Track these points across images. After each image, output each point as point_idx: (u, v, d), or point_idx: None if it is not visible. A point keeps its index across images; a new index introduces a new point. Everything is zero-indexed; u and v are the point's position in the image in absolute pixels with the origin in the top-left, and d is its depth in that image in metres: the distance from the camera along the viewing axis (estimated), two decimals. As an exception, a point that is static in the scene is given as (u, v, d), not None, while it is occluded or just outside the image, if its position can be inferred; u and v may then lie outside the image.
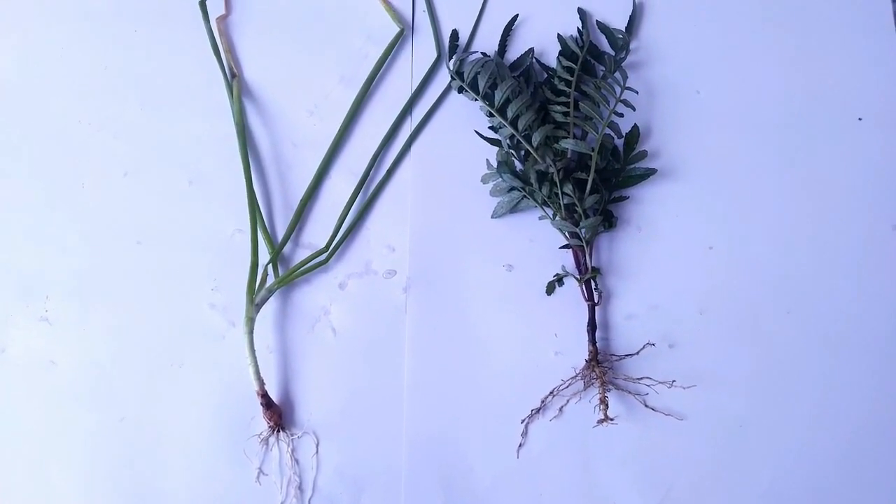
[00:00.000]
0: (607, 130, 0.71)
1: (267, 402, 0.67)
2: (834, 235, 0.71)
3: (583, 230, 0.69)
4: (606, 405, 0.66)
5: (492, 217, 0.73)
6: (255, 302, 0.68)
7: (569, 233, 0.70)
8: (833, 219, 0.71)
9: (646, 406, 0.68)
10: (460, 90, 0.73)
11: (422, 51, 0.77)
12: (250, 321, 0.68)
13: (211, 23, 0.77)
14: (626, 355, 0.69)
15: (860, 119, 0.73)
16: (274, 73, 0.77)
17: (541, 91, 0.73)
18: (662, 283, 0.71)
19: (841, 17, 0.76)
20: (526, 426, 0.68)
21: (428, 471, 0.68)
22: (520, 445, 0.68)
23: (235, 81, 0.77)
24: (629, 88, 0.72)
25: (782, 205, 0.72)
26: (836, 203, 0.72)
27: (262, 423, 0.68)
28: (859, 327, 0.69)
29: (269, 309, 0.71)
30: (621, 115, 0.71)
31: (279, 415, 0.68)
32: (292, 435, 0.68)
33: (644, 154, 0.72)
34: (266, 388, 0.67)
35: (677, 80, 0.75)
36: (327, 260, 0.72)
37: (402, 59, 0.77)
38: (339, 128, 0.75)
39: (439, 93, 0.75)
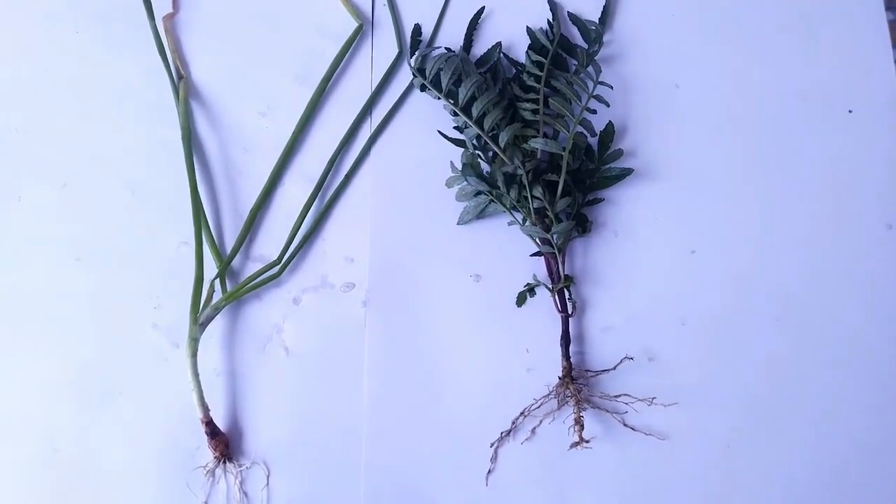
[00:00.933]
0: (579, 128, 0.66)
1: (212, 431, 0.62)
2: (825, 236, 0.66)
3: (554, 236, 0.64)
4: (581, 426, 0.60)
5: (458, 224, 0.67)
6: (199, 321, 0.63)
7: (540, 239, 0.65)
8: (823, 218, 0.67)
9: (624, 425, 0.63)
10: (423, 88, 0.68)
11: (382, 47, 0.72)
12: (194, 342, 0.62)
13: (156, 21, 0.72)
14: (603, 371, 0.64)
15: (850, 111, 0.69)
16: (224, 74, 0.72)
17: (509, 88, 0.69)
18: (641, 291, 0.66)
19: (828, 3, 0.71)
20: (495, 450, 0.63)
21: (389, 502, 0.63)
22: (489, 471, 0.63)
23: (182, 83, 0.72)
24: (603, 83, 0.67)
25: (769, 205, 0.67)
26: (826, 201, 0.67)
27: (207, 454, 0.62)
28: (855, 335, 0.64)
29: (217, 328, 0.66)
30: (594, 111, 0.66)
31: (226, 444, 0.62)
32: (240, 466, 0.63)
33: (620, 153, 0.67)
34: (212, 414, 0.62)
35: (654, 73, 0.70)
36: (280, 273, 0.66)
37: (362, 56, 0.72)
38: (293, 130, 0.69)
39: (401, 92, 0.70)
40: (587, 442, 0.60)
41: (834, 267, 0.66)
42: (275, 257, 0.66)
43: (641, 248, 0.67)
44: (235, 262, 0.67)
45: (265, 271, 0.66)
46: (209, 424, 0.62)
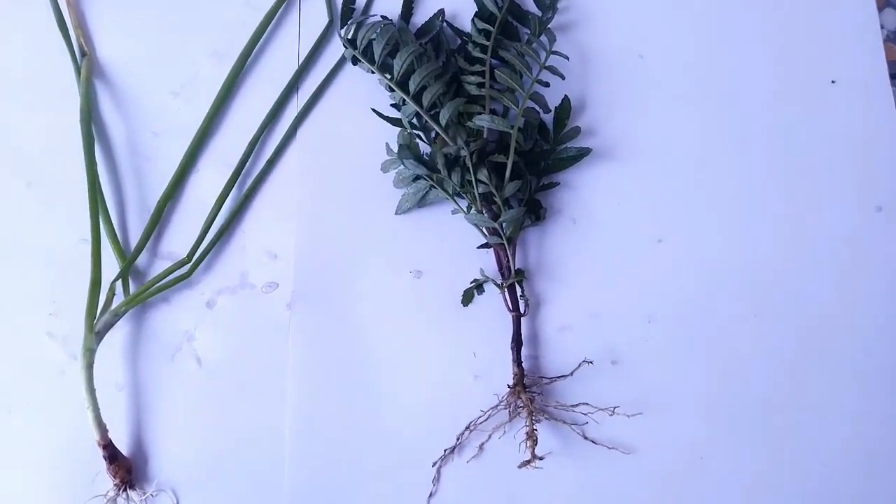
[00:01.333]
0: (531, 104, 0.59)
1: (111, 454, 0.53)
2: (807, 222, 0.59)
3: (503, 224, 0.57)
4: (535, 441, 0.53)
5: (396, 213, 0.60)
6: (95, 329, 0.54)
7: (487, 229, 0.57)
8: (806, 202, 0.59)
9: (584, 438, 0.55)
10: (355, 61, 0.60)
11: (310, 17, 0.64)
12: (89, 353, 0.54)
13: (57, -9, 0.64)
14: (560, 377, 0.56)
15: (833, 82, 0.62)
16: (133, 50, 0.64)
17: (453, 61, 0.61)
18: (603, 286, 0.58)
19: (804, -36, 0.64)
20: (438, 470, 0.55)
21: None
22: (430, 494, 0.55)
23: (85, 61, 0.63)
24: (557, 53, 0.59)
25: (745, 188, 0.60)
26: (808, 183, 0.60)
27: (107, 480, 0.54)
28: (842, 334, 0.57)
29: (118, 336, 0.57)
30: (547, 84, 0.59)
31: (127, 469, 0.54)
32: (145, 494, 0.54)
33: (577, 131, 0.60)
34: (112, 435, 0.54)
35: (616, 42, 0.63)
36: (191, 272, 0.58)
37: (288, 26, 0.64)
38: (209, 110, 0.62)
39: (332, 66, 0.62)
40: (541, 459, 0.52)
41: (818, 256, 0.59)
42: (185, 254, 0.58)
43: (602, 238, 0.59)
44: (141, 261, 0.59)
45: (174, 270, 0.57)
46: (108, 447, 0.53)
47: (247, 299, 0.59)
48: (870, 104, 0.61)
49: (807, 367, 0.57)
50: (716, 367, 0.57)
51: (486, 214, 0.57)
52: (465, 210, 0.58)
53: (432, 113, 0.58)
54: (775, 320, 0.58)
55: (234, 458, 0.56)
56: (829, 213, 0.59)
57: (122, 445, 0.55)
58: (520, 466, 0.52)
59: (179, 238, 0.60)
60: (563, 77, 0.60)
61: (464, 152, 0.57)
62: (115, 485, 0.53)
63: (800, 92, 0.62)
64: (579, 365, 0.56)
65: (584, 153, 0.60)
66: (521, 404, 0.55)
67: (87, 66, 0.64)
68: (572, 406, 0.55)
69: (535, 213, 0.59)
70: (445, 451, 0.55)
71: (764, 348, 0.57)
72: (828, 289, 0.58)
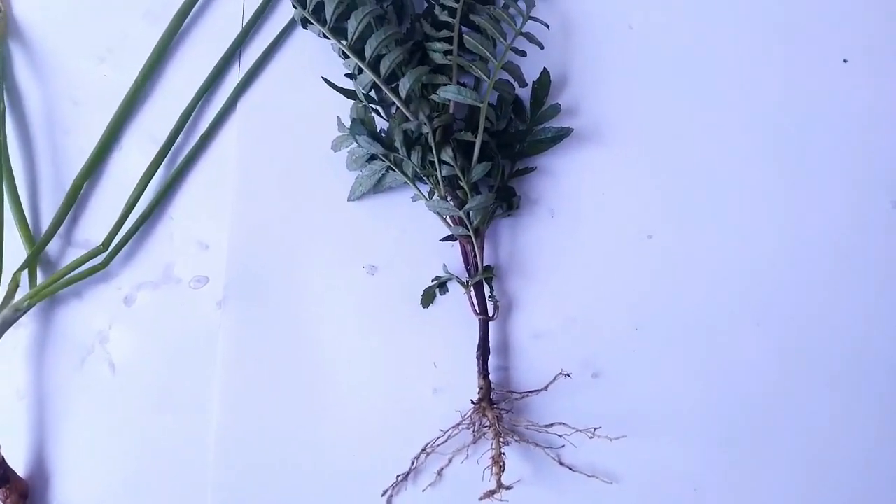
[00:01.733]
0: (504, 75, 0.51)
1: (2, 475, 0.46)
2: (817, 217, 0.52)
3: (470, 213, 0.49)
4: (502, 466, 0.45)
5: (348, 200, 0.52)
6: (-11, 326, 0.47)
7: (451, 218, 0.50)
8: (814, 194, 0.52)
9: (560, 464, 0.48)
10: (304, 23, 0.52)
11: (259, -25, 0.57)
12: (-20, 355, 0.47)
13: (-31, -60, 0.56)
14: (532, 391, 0.49)
15: (845, 61, 0.55)
16: (54, 7, 0.56)
17: (418, 27, 0.53)
18: (584, 287, 0.51)
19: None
20: (389, 500, 0.48)
21: None
22: (379, 528, 0.48)
23: (0, 19, 0.56)
24: (536, 20, 0.52)
25: (746, 177, 0.52)
26: (816, 172, 0.52)
27: (-2, 506, 0.46)
28: (855, 345, 0.50)
29: (21, 336, 0.50)
30: (524, 53, 0.51)
31: (22, 493, 0.46)
32: (41, 522, 0.47)
33: (557, 109, 0.53)
34: (6, 452, 0.46)
35: (604, 10, 0.55)
36: (107, 263, 0.50)
37: (232, -14, 0.57)
38: (137, 78, 0.54)
39: (279, 29, 0.54)
40: (508, 488, 0.45)
41: (829, 256, 0.51)
42: (101, 242, 0.50)
43: (584, 232, 0.52)
44: (51, 248, 0.51)
45: (87, 260, 0.50)
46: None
47: (171, 295, 0.51)
48: (883, 85, 0.54)
49: (815, 384, 0.50)
50: (713, 382, 0.50)
51: (450, 201, 0.49)
52: (427, 196, 0.50)
53: (391, 84, 0.50)
54: (781, 331, 0.50)
55: (149, 480, 0.48)
56: (841, 207, 0.52)
57: (19, 464, 0.48)
58: (482, 498, 0.44)
59: (97, 223, 0.52)
60: (541, 46, 0.52)
61: (426, 129, 0.49)
62: (6, 511, 0.46)
63: (808, 71, 0.54)
64: (555, 378, 0.49)
65: (564, 134, 0.52)
66: (487, 423, 0.47)
67: (2, 25, 0.56)
68: (546, 426, 0.47)
69: (508, 201, 0.51)
70: (398, 477, 0.48)
71: (767, 361, 0.50)
72: (839, 294, 0.51)
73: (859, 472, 0.49)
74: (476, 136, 0.49)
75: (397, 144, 0.50)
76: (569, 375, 0.49)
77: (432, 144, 0.49)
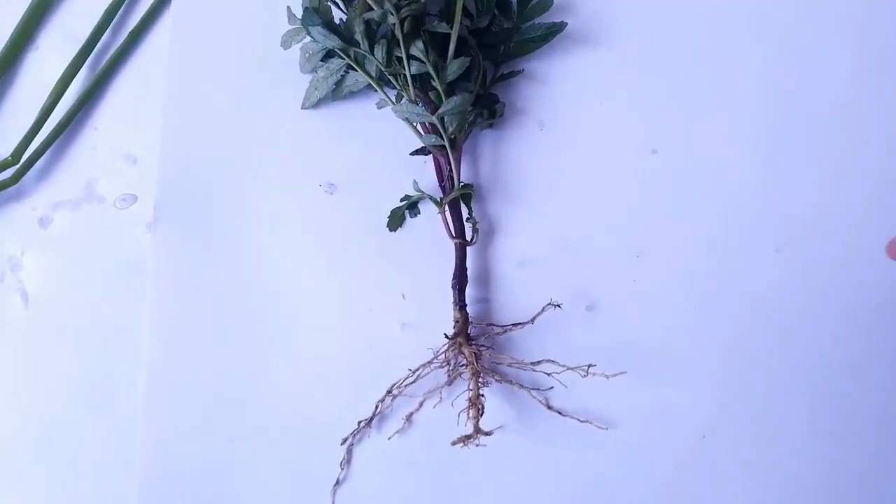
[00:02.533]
0: (486, -40, 0.44)
1: None
2: (847, 129, 0.44)
3: (445, 119, 0.42)
4: (480, 410, 0.39)
5: (302, 107, 0.45)
6: None
7: (423, 125, 0.43)
8: (844, 102, 0.45)
9: (548, 408, 0.41)
10: None
11: None
12: None
13: None
14: (516, 325, 0.42)
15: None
16: None
17: None
18: (578, 208, 0.44)
19: None
20: (349, 449, 0.41)
21: None
22: (337, 482, 0.41)
23: None
24: None
25: (766, 81, 0.45)
26: (848, 74, 0.45)
27: None
28: (886, 279, 0.44)
29: (-87, 263, 0.43)
30: (509, -65, 0.44)
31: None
32: (-64, 479, 0.40)
33: (548, 3, 0.45)
34: None
35: None
36: (18, 178, 0.43)
37: None
38: (54, -34, 0.46)
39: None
40: (488, 434, 0.38)
41: (859, 173, 0.44)
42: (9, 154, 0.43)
43: (578, 146, 0.45)
44: (-49, 163, 0.44)
45: (-7, 175, 0.43)
46: None
47: (94, 217, 0.43)
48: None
49: (841, 318, 0.43)
50: (724, 316, 0.43)
51: (421, 106, 0.42)
52: (394, 101, 0.43)
53: (352, -31, 0.43)
54: (803, 256, 0.44)
55: (68, 428, 0.41)
56: (872, 116, 0.45)
57: (-87, 413, 0.41)
58: (455, 443, 0.38)
59: (6, 133, 0.44)
60: (530, -72, 0.45)
61: (392, 18, 0.42)
62: None
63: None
64: (543, 309, 0.42)
65: (556, 31, 0.45)
66: (464, 361, 0.40)
67: None
68: (532, 364, 0.41)
69: (490, 109, 0.44)
70: (360, 423, 0.41)
71: (787, 293, 0.43)
72: (871, 215, 0.44)
73: (887, 413, 0.43)
74: (452, 28, 0.42)
75: (358, 37, 0.42)
76: (559, 306, 0.42)
77: (399, 37, 0.41)
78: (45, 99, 0.44)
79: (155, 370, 0.41)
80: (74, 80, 0.44)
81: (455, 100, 0.41)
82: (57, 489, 0.40)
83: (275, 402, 0.41)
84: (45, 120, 0.43)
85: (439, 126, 0.42)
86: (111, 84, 0.45)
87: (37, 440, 0.41)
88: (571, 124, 0.45)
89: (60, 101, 0.43)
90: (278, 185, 0.44)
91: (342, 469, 0.41)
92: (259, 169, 0.44)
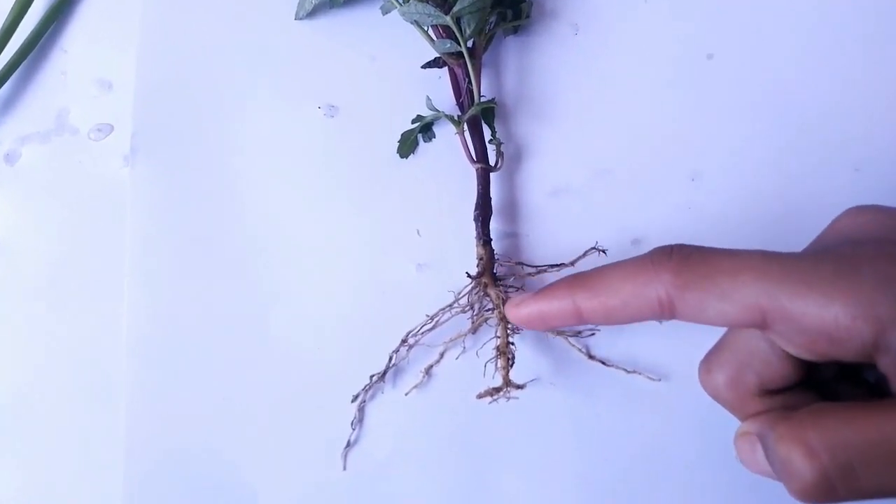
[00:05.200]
0: None
1: None
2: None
3: (462, 21, 0.36)
4: (510, 359, 0.33)
5: (296, 18, 0.39)
6: None
7: (435, 29, 0.37)
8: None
9: (590, 357, 0.35)
10: None
11: None
12: None
13: None
14: (552, 266, 0.36)
15: None
16: None
17: None
18: (620, 127, 0.37)
19: None
20: (361, 408, 0.37)
21: (171, 499, 0.36)
22: (348, 444, 0.36)
23: None
24: None
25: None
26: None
27: None
28: None
29: None
30: None
31: None
32: None
33: None
34: None
35: None
36: (-22, 109, 0.38)
37: None
38: None
39: None
40: (520, 387, 0.33)
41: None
42: (-28, 82, 0.38)
43: (620, 53, 0.38)
44: None
45: (-49, 106, 0.38)
46: None
47: (66, 150, 0.38)
48: None
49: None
50: (798, 245, 0.37)
51: (432, 5, 0.36)
52: (402, 1, 0.37)
53: None
54: (887, 176, 0.37)
55: (42, 391, 0.37)
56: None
57: None
58: (482, 396, 0.32)
59: (-33, 61, 0.40)
60: None
61: None
62: None
63: None
64: (585, 254, 0.36)
65: (592, -86, 0.38)
66: (490, 305, 0.35)
67: None
68: (570, 307, 0.36)
69: (514, 8, 0.38)
70: (372, 377, 0.36)
71: (871, 219, 0.37)
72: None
73: None
74: None
75: (357, -73, 0.36)
76: (604, 251, 0.36)
77: (405, -77, 0.35)
78: (3, 18, 0.39)
79: (137, 319, 0.36)
80: (38, -4, 0.39)
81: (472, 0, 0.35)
82: (38, 454, 0.37)
83: (274, 356, 0.36)
84: (7, 42, 0.38)
85: (455, 29, 0.35)
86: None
87: (13, 404, 0.37)
88: (611, 27, 0.38)
89: (23, 20, 0.38)
90: (271, 109, 0.38)
91: (353, 429, 0.35)
92: (248, 91, 0.38)
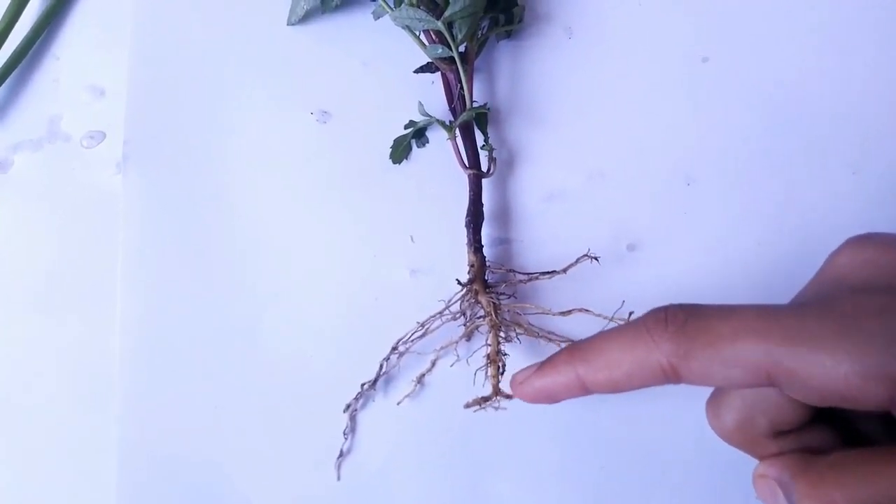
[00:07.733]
0: None
1: None
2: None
3: (454, 26, 0.36)
4: (500, 368, 0.33)
5: (288, 23, 0.39)
6: None
7: (427, 34, 0.37)
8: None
9: (584, 366, 0.36)
10: None
11: None
12: None
13: None
14: (543, 273, 0.36)
15: None
16: None
17: None
18: (615, 131, 0.37)
19: None
20: (353, 417, 0.36)
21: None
22: (340, 454, 0.36)
23: None
24: None
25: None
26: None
27: None
28: None
29: None
30: None
31: None
32: None
33: None
34: None
35: None
36: (-29, 117, 0.38)
37: None
38: None
39: None
40: (508, 397, 0.33)
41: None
42: (-36, 90, 0.38)
43: (614, 57, 0.38)
44: None
45: (-56, 114, 0.38)
46: None
47: (58, 157, 0.38)
48: None
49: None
50: (792, 252, 0.36)
51: (423, 10, 0.36)
52: (392, 6, 0.37)
53: None
54: (884, 178, 0.37)
55: (36, 394, 0.37)
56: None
57: None
58: (469, 406, 0.32)
59: (-39, 69, 0.40)
60: None
61: None
62: None
63: None
64: (577, 261, 0.36)
65: (585, -84, 0.38)
66: (481, 312, 0.35)
67: None
68: (563, 313, 0.35)
69: (507, 12, 0.38)
70: (364, 386, 0.36)
71: (866, 219, 0.36)
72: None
73: None
74: (457, -86, 0.35)
75: (347, -68, 0.36)
76: (596, 259, 0.36)
77: (396, -72, 0.35)
78: (-1, 25, 0.39)
79: (130, 326, 0.36)
80: (31, 0, 0.39)
81: (464, 3, 0.35)
82: (31, 463, 0.37)
83: (266, 364, 0.36)
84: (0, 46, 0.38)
85: (446, 33, 0.35)
86: (74, 5, 0.39)
87: (5, 413, 0.37)
88: (605, 31, 0.38)
89: (15, 27, 0.38)
90: (263, 115, 0.38)
91: (346, 439, 0.35)
92: (241, 97, 0.38)
